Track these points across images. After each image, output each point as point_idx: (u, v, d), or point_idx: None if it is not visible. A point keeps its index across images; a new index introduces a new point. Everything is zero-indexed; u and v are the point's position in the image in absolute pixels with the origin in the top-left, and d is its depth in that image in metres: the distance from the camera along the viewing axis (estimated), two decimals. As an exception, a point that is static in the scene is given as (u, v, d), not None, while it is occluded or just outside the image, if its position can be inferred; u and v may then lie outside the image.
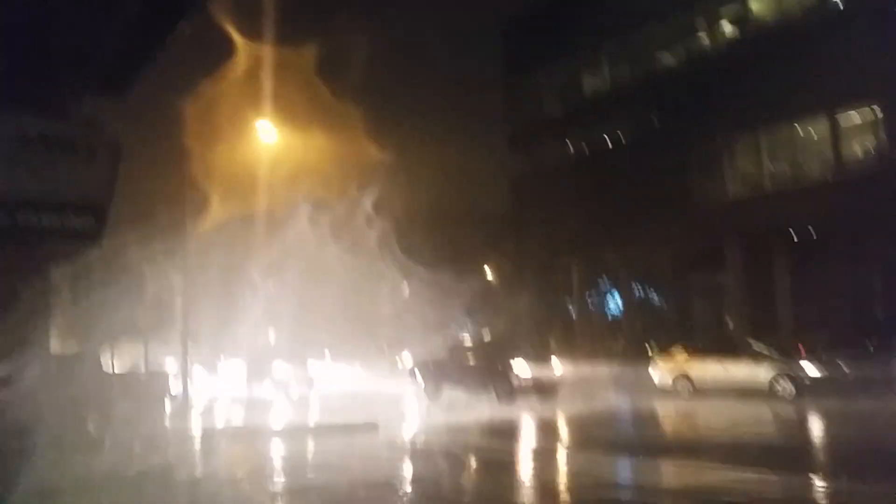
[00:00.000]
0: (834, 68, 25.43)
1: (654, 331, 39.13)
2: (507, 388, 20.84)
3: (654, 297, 41.65)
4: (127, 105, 15.84)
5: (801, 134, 28.94)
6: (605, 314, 44.49)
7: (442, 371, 23.45)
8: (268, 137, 25.78)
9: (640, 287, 40.63)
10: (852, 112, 27.04)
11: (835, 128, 27.14)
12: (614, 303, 43.12)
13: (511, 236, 39.90)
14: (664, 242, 32.40)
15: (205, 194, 27.27)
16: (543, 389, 21.21)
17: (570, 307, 40.53)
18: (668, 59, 33.69)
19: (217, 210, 28.65)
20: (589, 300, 40.84)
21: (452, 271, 35.43)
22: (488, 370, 21.68)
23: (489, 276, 41.79)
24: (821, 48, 25.99)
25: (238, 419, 19.24)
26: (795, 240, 30.07)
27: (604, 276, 41.88)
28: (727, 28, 31.01)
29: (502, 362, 21.74)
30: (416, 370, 24.73)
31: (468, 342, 28.07)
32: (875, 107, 26.12)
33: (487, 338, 31.81)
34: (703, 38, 32.09)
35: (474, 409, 20.07)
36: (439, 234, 37.20)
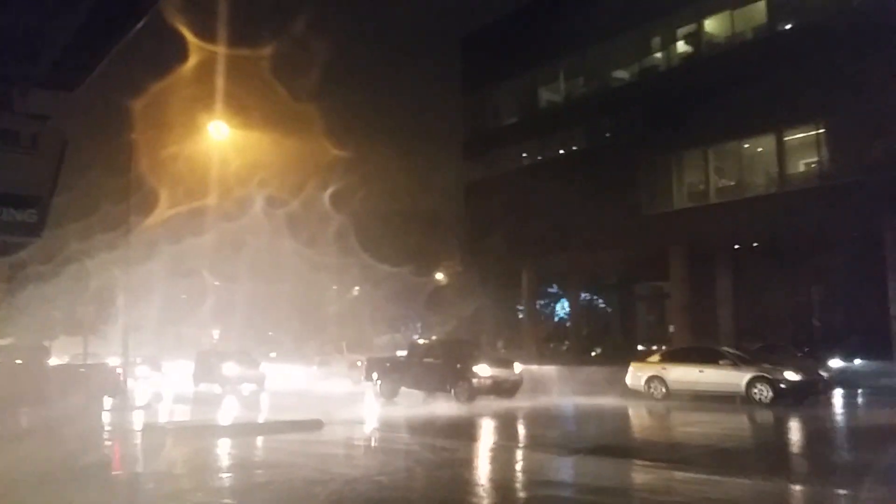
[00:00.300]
0: (781, 88, 26.20)
1: (599, 335, 39.95)
2: (466, 387, 20.04)
3: (601, 302, 42.45)
4: (75, 100, 15.45)
5: (748, 150, 29.76)
6: (553, 318, 45.19)
7: (398, 370, 22.56)
8: (219, 136, 25.31)
9: (587, 293, 41.35)
10: (797, 131, 27.89)
11: (780, 145, 27.97)
12: (562, 308, 43.79)
13: (464, 240, 40.12)
14: (611, 250, 32.97)
15: (152, 191, 26.67)
16: (503, 390, 20.50)
17: (520, 311, 40.95)
18: (622, 74, 34.30)
19: (164, 207, 28.08)
20: (538, 305, 41.32)
21: (407, 272, 35.56)
22: (448, 369, 20.70)
23: (442, 278, 41.95)
24: (770, 69, 26.77)
25: (182, 415, 18.75)
26: (737, 249, 31.02)
27: (553, 282, 42.50)
28: (681, 47, 31.70)
29: (462, 361, 20.87)
30: (372, 369, 23.62)
31: (425, 341, 27.15)
32: (819, 126, 26.98)
33: (444, 337, 31.17)
34: (658, 56, 32.74)
35: (430, 407, 19.59)
36: (395, 235, 37.23)
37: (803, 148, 28.13)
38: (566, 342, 40.79)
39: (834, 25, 25.62)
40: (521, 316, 40.58)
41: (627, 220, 31.20)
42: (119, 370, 19.21)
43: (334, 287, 40.92)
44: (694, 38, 31.04)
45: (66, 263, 38.43)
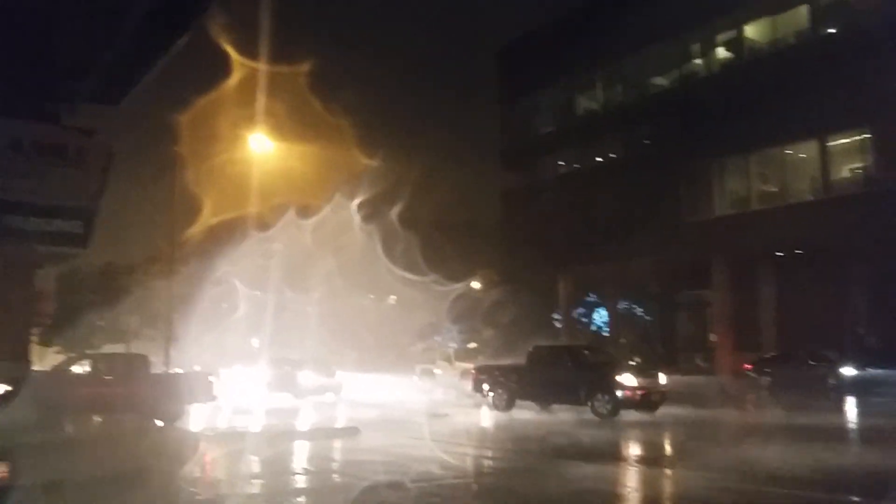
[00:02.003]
0: (825, 94, 25.78)
1: (638, 344, 39.49)
2: (609, 399, 17.34)
3: (640, 311, 41.94)
4: (121, 114, 15.86)
5: (791, 156, 29.25)
6: (590, 327, 44.80)
7: (515, 379, 19.91)
8: (260, 149, 25.67)
9: (626, 302, 40.93)
10: (841, 136, 27.37)
11: (824, 151, 27.46)
12: (600, 317, 43.37)
13: (501, 249, 40.07)
14: (651, 259, 32.64)
15: (195, 202, 27.17)
16: (650, 402, 17.73)
17: (557, 320, 40.70)
18: (661, 81, 34.02)
19: (206, 216, 28.56)
20: (575, 313, 41.04)
21: (443, 281, 35.59)
22: (584, 379, 18.10)
23: (478, 287, 41.91)
24: (813, 74, 26.33)
25: (259, 422, 18.50)
26: (780, 256, 30.45)
27: (590, 291, 42.16)
28: (721, 52, 31.34)
29: (602, 370, 18.54)
30: (483, 378, 21.04)
31: (549, 347, 25.02)
32: (864, 132, 26.45)
33: (572, 343, 29.70)
34: (698, 62, 32.40)
35: (564, 423, 17.11)
36: (432, 245, 37.28)
37: (848, 153, 27.59)
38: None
39: (878, 28, 25.10)
40: (558, 325, 40.33)
41: (667, 228, 30.84)
42: (212, 378, 19.28)
43: (371, 296, 41.09)
44: (734, 44, 30.68)
45: (111, 274, 39.45)
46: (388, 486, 9.30)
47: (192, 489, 9.28)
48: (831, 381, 22.98)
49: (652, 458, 12.36)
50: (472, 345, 44.45)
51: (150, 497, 8.77)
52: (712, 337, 32.92)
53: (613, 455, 12.47)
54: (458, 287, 36.55)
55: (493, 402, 19.95)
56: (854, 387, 23.48)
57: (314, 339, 37.89)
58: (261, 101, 22.24)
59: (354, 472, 10.72)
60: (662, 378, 18.76)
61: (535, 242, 35.03)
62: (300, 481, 10.30)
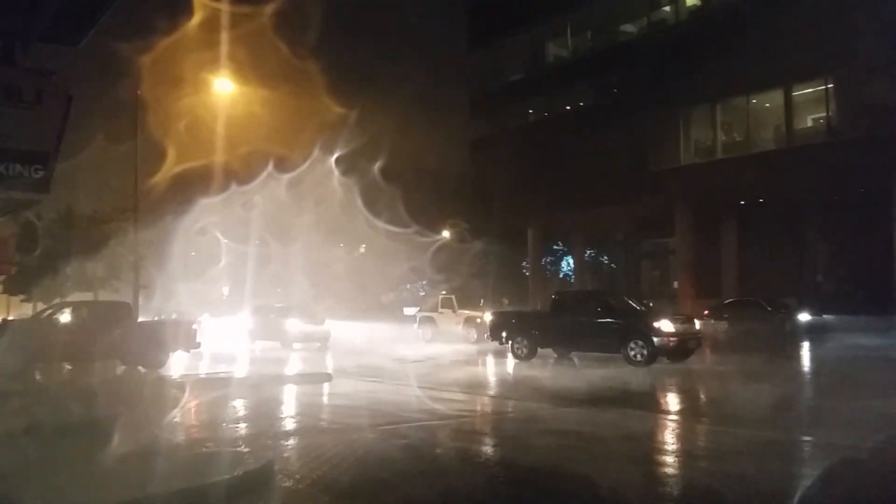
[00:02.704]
0: (790, 43, 25.88)
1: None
2: (646, 347, 16.31)
3: (606, 259, 42.56)
4: (80, 55, 15.46)
5: (756, 105, 29.49)
6: (559, 275, 45.40)
7: (537, 327, 18.96)
8: (225, 93, 25.23)
9: (592, 250, 41.46)
10: (805, 86, 27.62)
11: (788, 101, 27.73)
12: (567, 265, 43.95)
13: (470, 197, 40.13)
14: (617, 207, 32.97)
15: (159, 148, 26.71)
16: (687, 350, 16.88)
17: (525, 268, 41.14)
18: (630, 28, 33.89)
19: (171, 164, 28.14)
20: (544, 262, 41.50)
21: (412, 230, 35.64)
22: (618, 326, 17.06)
23: (448, 236, 42.04)
24: (779, 23, 26.39)
25: (241, 370, 18.42)
26: (743, 205, 30.97)
27: (558, 240, 42.60)
28: (690, 0, 31.24)
29: (638, 316, 17.72)
30: (501, 326, 19.90)
31: (574, 293, 23.37)
32: (828, 81, 26.70)
33: (599, 289, 28.66)
34: (666, 9, 32.30)
35: (595, 371, 15.94)
36: (400, 194, 37.20)
37: (811, 103, 27.92)
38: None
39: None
40: (526, 273, 40.78)
41: (634, 177, 31.12)
42: (195, 326, 19.27)
43: (340, 245, 41.08)
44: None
45: (76, 221, 38.83)
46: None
47: (161, 433, 9.39)
48: (787, 326, 23.78)
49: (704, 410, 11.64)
50: (443, 293, 44.84)
51: (122, 441, 8.91)
52: (675, 284, 33.58)
53: (659, 404, 11.97)
54: (430, 237, 36.71)
55: (514, 350, 19.04)
56: (809, 332, 24.30)
57: (296, 288, 37.63)
58: (224, 42, 21.81)
59: (338, 417, 10.74)
60: (696, 323, 18.32)
61: (505, 191, 35.18)
62: (280, 424, 10.27)
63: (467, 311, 26.65)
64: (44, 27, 13.53)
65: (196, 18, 20.96)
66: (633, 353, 16.50)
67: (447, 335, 26.56)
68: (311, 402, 12.59)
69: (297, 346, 24.45)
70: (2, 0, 12.92)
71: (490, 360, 19.92)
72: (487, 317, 24.33)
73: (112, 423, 9.88)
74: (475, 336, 25.07)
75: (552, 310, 19.23)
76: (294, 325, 25.00)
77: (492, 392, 14.09)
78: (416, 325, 28.96)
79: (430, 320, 28.16)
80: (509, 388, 14.73)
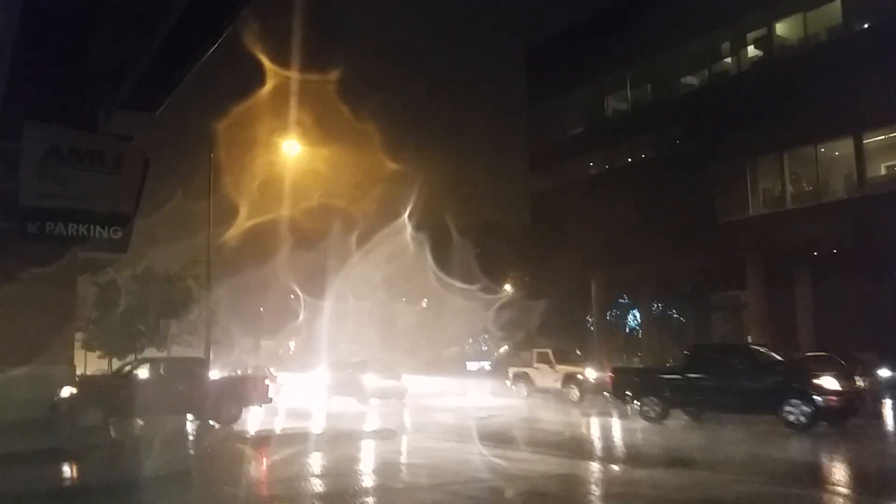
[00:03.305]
0: (859, 90, 25.41)
1: (672, 346, 39.14)
2: (806, 407, 14.45)
3: (674, 313, 41.61)
4: (159, 122, 16.31)
5: (825, 154, 28.81)
6: (625, 329, 44.54)
7: (669, 385, 17.18)
8: (292, 154, 26.14)
9: (659, 303, 40.62)
10: (877, 133, 26.93)
11: (859, 148, 27.02)
12: (633, 318, 43.13)
13: (532, 251, 40.04)
14: (684, 259, 32.38)
15: (231, 207, 27.74)
16: (851, 409, 15.08)
17: (589, 322, 40.56)
18: (691, 80, 33.77)
19: (242, 220, 29.10)
20: (608, 315, 40.83)
21: (474, 284, 35.70)
22: (770, 383, 15.33)
23: (510, 290, 41.90)
24: (846, 70, 25.98)
25: (315, 426, 18.31)
26: (816, 256, 29.99)
27: (623, 292, 41.91)
28: (752, 50, 31.03)
29: (796, 372, 16.14)
30: (624, 383, 18.46)
31: (724, 344, 21.33)
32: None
33: (739, 343, 26.60)
34: (728, 60, 32.10)
35: (746, 438, 14.02)
36: (462, 248, 37.46)
37: (883, 150, 27.15)
38: (639, 354, 40.16)
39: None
40: (591, 327, 40.18)
41: (701, 228, 30.59)
42: (268, 381, 19.70)
43: (403, 300, 41.40)
44: (765, 41, 30.35)
45: (151, 279, 40.30)
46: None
47: (231, 489, 9.51)
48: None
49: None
50: (504, 348, 44.54)
51: (193, 497, 9.06)
52: (749, 338, 32.52)
53: (855, 481, 9.88)
54: (493, 292, 36.68)
55: (642, 410, 17.34)
56: (890, 389, 23.07)
57: (362, 342, 37.77)
58: (293, 107, 22.66)
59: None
60: (859, 380, 16.76)
61: (566, 244, 34.96)
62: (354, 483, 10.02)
63: (567, 367, 25.04)
64: (125, 95, 14.41)
65: (267, 86, 21.94)
66: (790, 414, 14.61)
67: (544, 393, 25.30)
68: (388, 460, 12.13)
69: (374, 401, 23.91)
70: (88, 70, 13.82)
71: (610, 421, 18.25)
72: (590, 373, 23.92)
73: (185, 479, 10.08)
74: (577, 394, 23.87)
75: (687, 365, 17.46)
76: (371, 380, 24.52)
77: (641, 462, 11.47)
78: (508, 383, 27.33)
79: (525, 377, 26.48)
80: (653, 456, 12.31)
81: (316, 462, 11.91)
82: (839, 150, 28.24)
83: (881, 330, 28.89)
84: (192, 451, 13.93)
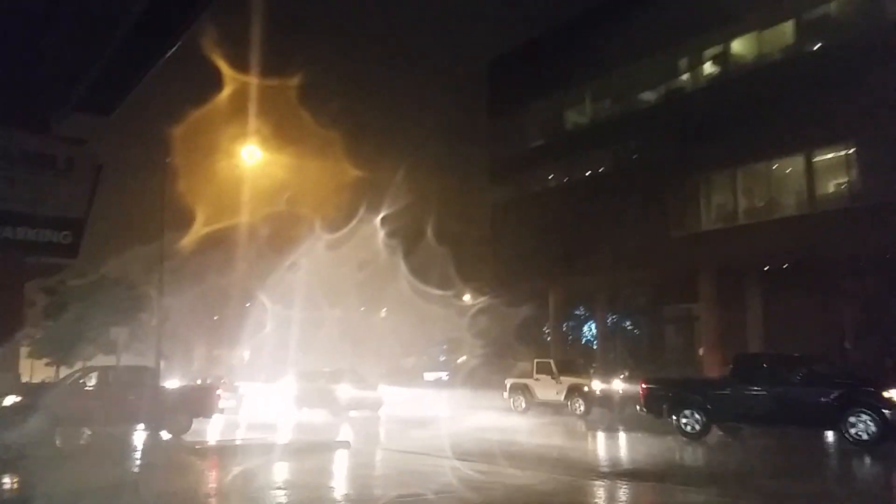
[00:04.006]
0: (811, 109, 26.04)
1: (626, 358, 39.63)
2: (875, 422, 13.46)
3: (628, 325, 42.11)
4: (111, 124, 15.99)
5: (777, 171, 29.50)
6: (581, 341, 44.90)
7: (719, 396, 16.10)
8: (252, 160, 25.84)
9: (614, 316, 41.07)
10: (827, 151, 27.65)
11: (809, 166, 27.73)
12: (589, 330, 43.51)
13: (491, 262, 40.19)
14: (639, 272, 32.81)
15: (186, 213, 27.25)
16: None
17: (546, 333, 40.81)
18: (649, 96, 34.34)
19: (198, 226, 28.64)
20: (565, 327, 41.15)
21: (432, 293, 35.61)
22: (836, 394, 14.24)
23: (468, 300, 41.95)
24: (799, 89, 26.65)
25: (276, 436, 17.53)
26: (767, 271, 30.66)
27: (579, 304, 42.30)
28: (708, 67, 31.68)
29: (858, 383, 15.10)
30: (659, 397, 17.19)
31: (778, 354, 19.75)
32: (849, 147, 26.74)
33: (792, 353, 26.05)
34: (685, 77, 32.72)
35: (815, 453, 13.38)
36: (421, 257, 37.39)
37: (833, 168, 27.86)
38: (594, 365, 40.52)
39: (862, 45, 25.50)
40: (547, 338, 40.43)
41: (655, 242, 31.07)
42: (218, 392, 19.29)
43: (362, 308, 41.13)
44: (721, 59, 31.01)
45: (101, 285, 39.33)
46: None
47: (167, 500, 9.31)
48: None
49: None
50: (462, 358, 44.52)
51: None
52: (700, 351, 33.07)
53: None
54: (448, 301, 36.62)
55: (681, 426, 16.26)
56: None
57: (327, 352, 37.05)
58: (251, 112, 22.43)
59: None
60: None
61: (525, 255, 35.20)
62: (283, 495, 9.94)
63: (571, 378, 23.66)
64: (79, 98, 14.09)
65: (226, 90, 21.66)
66: (855, 429, 13.69)
67: (545, 406, 24.03)
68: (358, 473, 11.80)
69: (351, 413, 22.89)
70: (41, 71, 13.47)
71: (645, 438, 16.78)
72: (595, 385, 23.11)
73: (131, 490, 9.83)
74: (583, 407, 22.83)
75: (733, 377, 16.32)
76: (346, 390, 23.40)
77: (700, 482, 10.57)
78: (505, 394, 25.61)
79: (524, 388, 24.88)
80: (716, 477, 11.38)
81: (272, 474, 11.70)
82: (791, 167, 28.95)
83: (830, 344, 29.66)
84: (139, 462, 13.62)
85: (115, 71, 13.18)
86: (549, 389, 24.12)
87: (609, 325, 40.36)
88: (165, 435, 16.76)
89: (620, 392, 23.15)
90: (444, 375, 44.25)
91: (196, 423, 18.06)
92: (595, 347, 40.72)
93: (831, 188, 28.25)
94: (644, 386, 18.15)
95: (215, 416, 18.64)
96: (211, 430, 18.24)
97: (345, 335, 39.62)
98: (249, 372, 39.80)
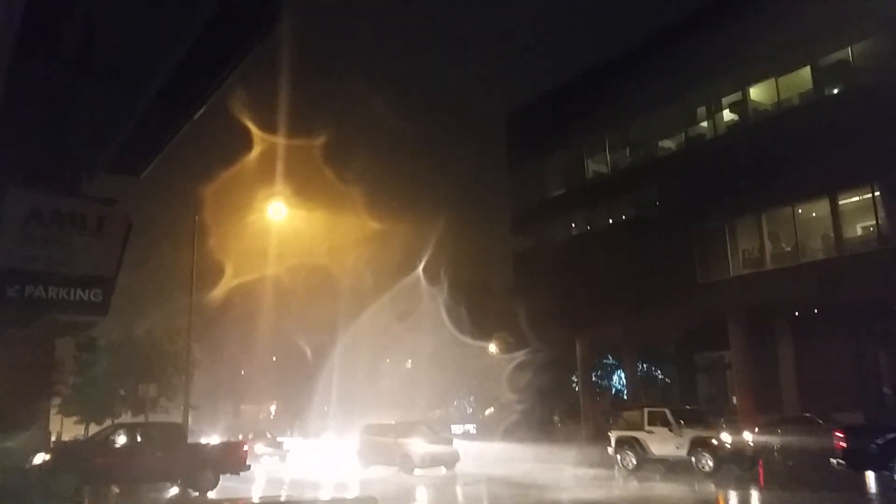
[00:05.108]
0: (832, 152, 25.95)
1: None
2: None
3: (659, 374, 41.50)
4: (141, 184, 16.38)
5: (802, 215, 29.29)
6: (610, 390, 44.28)
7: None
8: (278, 217, 26.27)
9: (644, 364, 40.54)
10: (851, 194, 27.46)
11: (835, 209, 27.51)
12: (619, 379, 42.94)
13: (515, 311, 40.04)
14: (667, 320, 32.48)
15: (214, 268, 27.66)
16: None
17: (575, 383, 40.33)
18: (668, 143, 34.48)
19: (227, 280, 28.99)
20: (594, 376, 40.65)
21: (458, 343, 35.45)
22: None
23: (494, 350, 41.67)
24: (819, 133, 26.63)
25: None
26: (797, 316, 30.18)
27: (607, 353, 41.85)
28: (727, 115, 31.81)
29: None
30: (872, 448, 14.97)
31: None
32: (874, 189, 26.55)
33: None
34: (704, 124, 32.84)
35: None
36: (446, 308, 37.34)
37: (859, 211, 27.62)
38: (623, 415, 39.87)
39: (881, 87, 25.52)
40: (576, 388, 39.94)
41: (682, 289, 30.78)
42: (245, 448, 19.22)
43: (388, 360, 41.03)
44: (740, 106, 31.14)
45: (130, 342, 39.76)
46: None
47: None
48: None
49: None
50: (490, 410, 44.05)
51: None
52: (734, 399, 32.43)
53: None
54: (474, 352, 36.40)
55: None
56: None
57: (355, 405, 36.16)
58: (278, 170, 22.89)
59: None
60: None
61: (550, 305, 35.01)
62: None
63: (695, 430, 19.84)
64: (108, 160, 14.52)
65: (253, 150, 22.19)
66: None
67: (659, 463, 20.59)
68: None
69: (418, 472, 21.00)
70: (71, 133, 13.94)
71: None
72: (725, 437, 19.44)
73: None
74: (711, 464, 18.95)
75: None
76: (419, 445, 21.43)
77: None
78: (610, 450, 21.81)
79: (633, 443, 20.97)
80: None
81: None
82: (816, 210, 28.74)
83: (863, 389, 28.98)
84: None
85: (143, 134, 13.58)
86: (666, 443, 20.25)
87: (639, 373, 39.82)
88: (193, 492, 16.72)
89: (752, 445, 20.14)
90: (471, 428, 43.75)
91: (235, 480, 17.99)
92: (625, 396, 40.15)
93: (858, 231, 27.96)
94: (842, 434, 15.90)
95: (258, 472, 18.50)
96: (247, 487, 18.06)
97: (370, 387, 39.50)
98: (274, 426, 39.66)
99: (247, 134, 21.25)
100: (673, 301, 31.12)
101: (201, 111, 13.30)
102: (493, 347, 37.78)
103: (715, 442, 19.25)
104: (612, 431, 22.31)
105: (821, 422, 24.19)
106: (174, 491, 17.13)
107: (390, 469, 21.69)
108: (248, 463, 18.31)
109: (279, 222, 27.43)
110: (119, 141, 13.88)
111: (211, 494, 16.61)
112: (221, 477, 17.53)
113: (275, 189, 24.95)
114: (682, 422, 20.21)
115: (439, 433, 23.58)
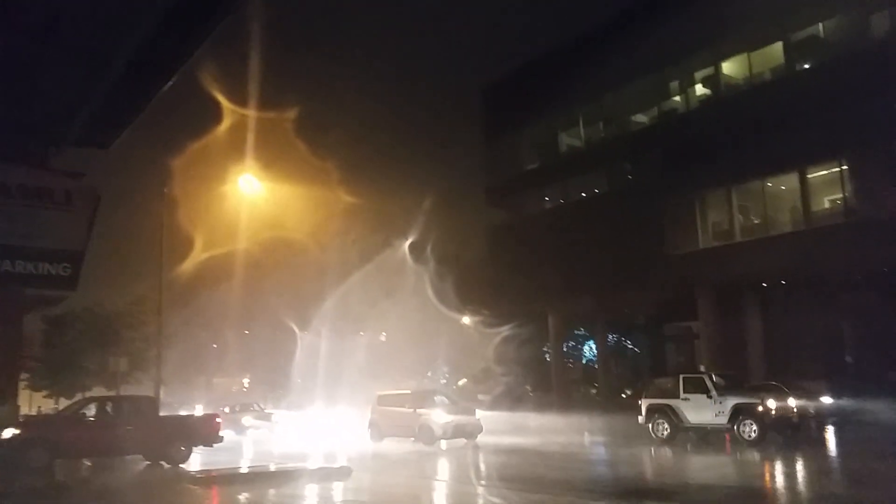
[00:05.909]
0: (802, 127, 26.25)
1: (628, 377, 39.58)
2: None
3: (629, 344, 42.11)
4: (110, 157, 16.14)
5: (772, 188, 29.68)
6: (581, 361, 44.88)
7: None
8: (250, 190, 25.98)
9: (614, 335, 41.08)
10: (820, 168, 27.85)
11: (803, 183, 27.91)
12: (590, 350, 43.52)
13: (489, 284, 40.25)
14: (638, 292, 32.87)
15: (184, 242, 27.38)
16: None
17: (547, 353, 40.78)
18: (641, 118, 34.63)
19: (196, 254, 28.73)
20: (565, 347, 41.12)
21: (432, 315, 35.58)
22: None
23: (468, 322, 41.92)
24: (789, 108, 26.90)
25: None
26: (765, 287, 30.72)
27: (579, 324, 42.33)
28: (700, 89, 31.98)
29: None
30: None
31: None
32: (842, 163, 26.94)
33: None
34: (677, 98, 32.99)
35: None
36: (418, 280, 37.40)
37: (827, 185, 28.05)
38: (595, 385, 40.49)
39: (852, 62, 25.79)
40: (548, 359, 40.41)
41: (653, 261, 31.17)
42: (218, 420, 19.08)
43: (361, 333, 41.08)
44: (712, 80, 31.32)
45: (101, 316, 39.36)
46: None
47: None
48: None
49: None
50: (463, 381, 44.42)
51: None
52: (702, 368, 33.02)
53: None
54: (453, 324, 36.58)
55: None
56: (830, 417, 23.47)
57: (329, 377, 36.05)
58: (248, 143, 22.61)
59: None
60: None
61: (523, 277, 35.25)
62: None
63: (736, 397, 18.45)
64: (76, 133, 14.26)
65: (224, 122, 21.88)
66: None
67: (696, 431, 19.38)
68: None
69: (443, 444, 19.72)
70: (38, 108, 13.65)
71: None
72: (770, 403, 17.79)
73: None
74: (755, 432, 17.67)
75: None
76: (440, 416, 20.09)
77: None
78: (640, 418, 20.28)
79: (668, 411, 19.55)
80: None
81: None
82: (785, 184, 29.13)
83: (827, 358, 29.66)
84: (140, 494, 13.55)
85: (111, 107, 13.35)
86: (704, 411, 18.84)
87: (609, 344, 40.35)
88: (165, 465, 16.69)
89: (796, 411, 18.85)
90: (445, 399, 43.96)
91: (217, 453, 17.89)
92: (596, 367, 40.72)
93: (826, 204, 28.42)
94: (793, 405, 15.11)
95: (245, 445, 18.41)
96: (231, 460, 17.93)
97: (345, 359, 39.57)
98: (264, 399, 39.64)
99: (217, 107, 20.91)
100: (644, 273, 31.51)
101: (170, 83, 13.09)
102: (466, 320, 37.99)
103: (760, 409, 17.87)
104: (643, 399, 20.70)
105: (786, 389, 24.69)
106: (146, 464, 17.08)
107: (406, 440, 20.61)
108: (220, 434, 18.25)
109: (251, 196, 27.17)
110: (87, 113, 13.64)
111: (183, 466, 16.59)
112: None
113: (246, 163, 24.65)
114: (722, 387, 18.89)
115: (458, 402, 22.23)
